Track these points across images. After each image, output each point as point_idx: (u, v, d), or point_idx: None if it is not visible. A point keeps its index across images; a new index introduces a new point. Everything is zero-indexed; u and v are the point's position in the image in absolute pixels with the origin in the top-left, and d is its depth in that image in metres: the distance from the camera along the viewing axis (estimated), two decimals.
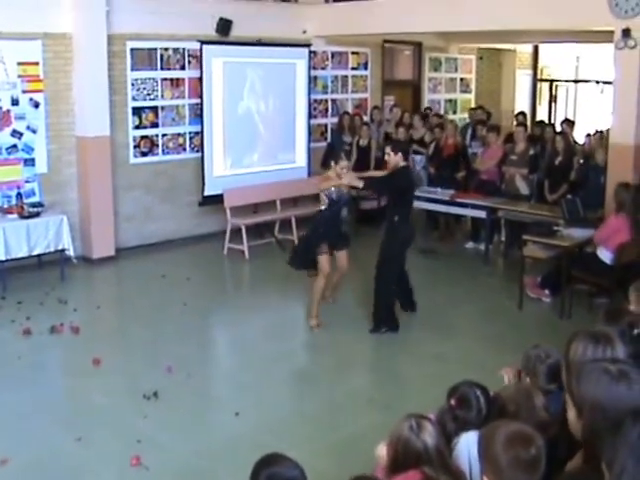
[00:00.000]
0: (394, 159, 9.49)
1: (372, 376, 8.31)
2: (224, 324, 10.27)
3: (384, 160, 14.40)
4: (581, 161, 12.70)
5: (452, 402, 4.12)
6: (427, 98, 18.35)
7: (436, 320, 10.03)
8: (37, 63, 11.84)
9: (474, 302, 10.80)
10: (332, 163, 9.67)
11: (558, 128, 15.17)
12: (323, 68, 15.78)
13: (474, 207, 12.75)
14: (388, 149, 9.73)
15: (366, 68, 16.65)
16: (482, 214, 12.63)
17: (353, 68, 16.40)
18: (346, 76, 16.29)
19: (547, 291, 10.56)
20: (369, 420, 7.12)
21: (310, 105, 15.20)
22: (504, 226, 13.13)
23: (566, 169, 12.66)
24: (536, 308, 10.48)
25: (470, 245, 13.62)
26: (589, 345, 3.75)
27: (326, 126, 15.97)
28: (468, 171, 14.16)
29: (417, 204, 13.30)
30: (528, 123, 16.09)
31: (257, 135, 14.32)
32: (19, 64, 11.64)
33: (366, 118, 16.01)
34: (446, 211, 13.48)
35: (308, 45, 15.00)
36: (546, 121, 17.90)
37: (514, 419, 3.75)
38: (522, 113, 16.49)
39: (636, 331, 4.58)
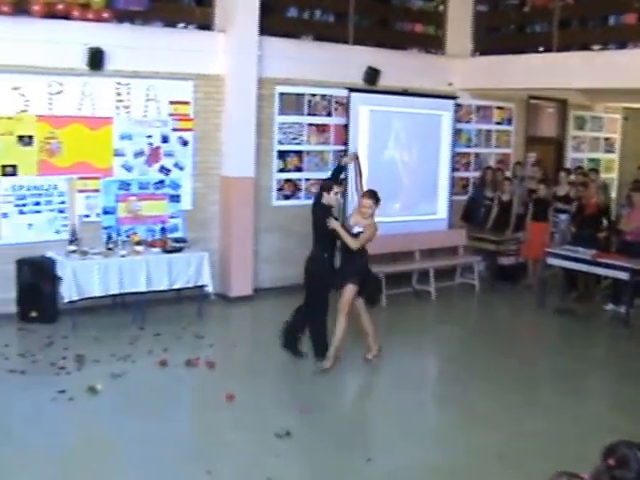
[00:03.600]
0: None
1: (501, 432, 7.68)
2: (357, 370, 9.71)
3: (524, 216, 13.95)
4: None
5: (610, 462, 3.70)
6: (570, 156, 17.61)
7: (569, 382, 9.36)
8: (188, 103, 11.83)
9: (611, 365, 10.22)
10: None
11: None
12: (467, 121, 15.25)
13: (617, 268, 11.88)
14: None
15: (510, 123, 16.02)
16: (624, 276, 11.76)
17: (497, 123, 15.81)
18: (490, 130, 15.73)
19: None
20: (499, 477, 6.76)
21: (453, 158, 14.69)
22: None
23: None
24: None
25: (610, 307, 12.71)
26: None
27: (467, 180, 15.40)
28: (611, 231, 13.37)
29: (557, 262, 12.67)
30: None
31: (400, 185, 13.90)
32: (171, 103, 11.66)
33: (508, 173, 15.39)
34: (587, 271, 12.57)
35: (454, 97, 14.56)
36: None
37: None
38: None
39: None
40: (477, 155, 15.58)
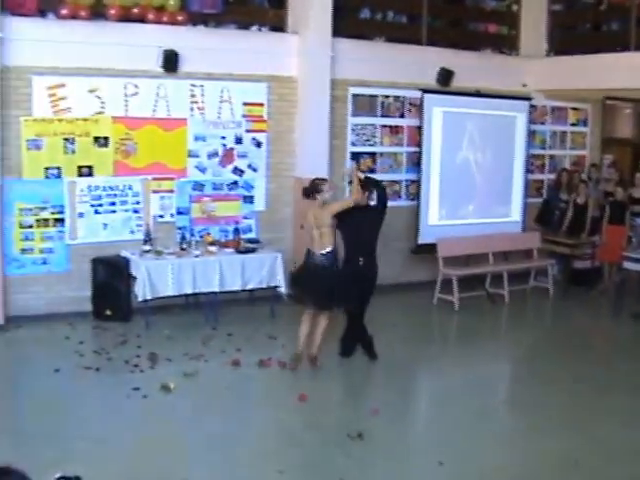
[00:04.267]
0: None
1: (577, 438, 7.37)
2: (430, 373, 9.63)
3: (600, 219, 13.56)
4: None
5: None
6: None
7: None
8: (262, 104, 11.78)
9: None
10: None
11: None
12: (542, 123, 14.85)
13: None
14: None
15: (585, 125, 15.55)
16: None
17: (572, 124, 15.35)
18: (565, 132, 15.28)
19: None
20: None
21: (528, 159, 14.34)
22: None
23: None
24: None
25: None
26: None
27: (542, 182, 15.03)
28: None
29: (633, 266, 12.24)
30: None
31: (473, 187, 13.57)
32: (244, 104, 11.62)
33: (584, 176, 14.98)
34: None
35: (529, 98, 14.17)
36: None
37: None
38: None
39: None
40: (552, 157, 15.16)
